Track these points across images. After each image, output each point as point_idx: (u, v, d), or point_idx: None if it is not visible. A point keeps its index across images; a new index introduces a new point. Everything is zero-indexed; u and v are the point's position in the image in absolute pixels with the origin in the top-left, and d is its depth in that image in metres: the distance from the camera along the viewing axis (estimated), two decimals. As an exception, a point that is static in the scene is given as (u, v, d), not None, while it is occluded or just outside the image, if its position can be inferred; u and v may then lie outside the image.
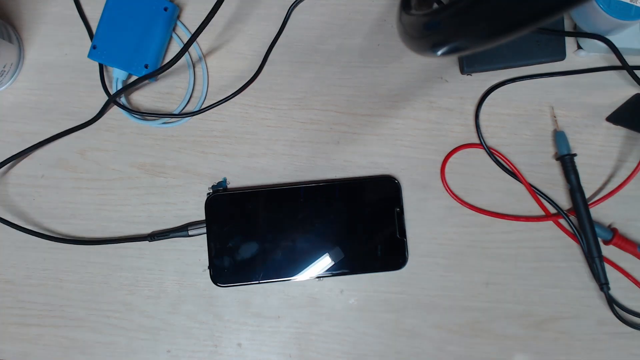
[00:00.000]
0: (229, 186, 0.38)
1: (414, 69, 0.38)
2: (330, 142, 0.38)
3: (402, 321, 0.38)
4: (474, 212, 0.38)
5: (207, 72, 0.39)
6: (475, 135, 0.38)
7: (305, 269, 0.36)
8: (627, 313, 0.37)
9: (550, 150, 0.38)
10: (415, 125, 0.38)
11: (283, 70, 0.39)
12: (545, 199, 0.38)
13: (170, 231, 0.37)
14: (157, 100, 0.39)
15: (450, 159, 0.38)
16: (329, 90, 0.39)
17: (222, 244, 0.36)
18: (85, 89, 0.39)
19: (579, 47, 0.38)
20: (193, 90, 0.38)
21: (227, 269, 0.36)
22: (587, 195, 0.37)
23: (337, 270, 0.36)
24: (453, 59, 0.38)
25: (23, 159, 0.39)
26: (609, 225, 0.38)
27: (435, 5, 0.31)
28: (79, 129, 0.38)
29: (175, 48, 0.39)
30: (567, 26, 0.38)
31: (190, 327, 0.38)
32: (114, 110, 0.39)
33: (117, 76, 0.38)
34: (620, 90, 0.38)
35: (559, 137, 0.37)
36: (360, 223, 0.37)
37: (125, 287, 0.38)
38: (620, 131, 0.38)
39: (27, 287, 0.38)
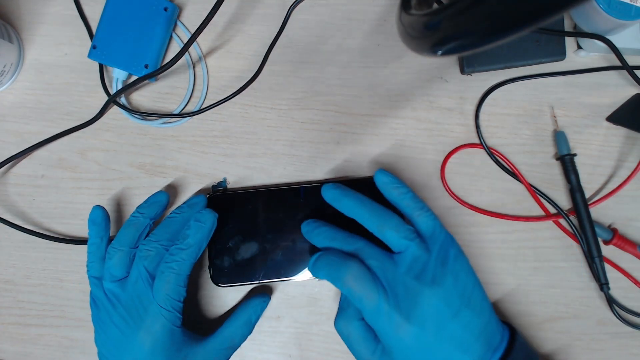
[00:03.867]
0: (228, 186, 0.38)
1: (414, 69, 0.38)
2: (330, 142, 0.38)
3: (402, 321, 0.37)
4: (474, 212, 0.38)
5: (207, 72, 0.39)
6: (475, 135, 0.38)
7: (305, 269, 0.36)
8: (627, 313, 0.37)
9: (550, 150, 0.38)
10: (415, 125, 0.38)
11: (283, 70, 0.39)
12: (545, 199, 0.38)
13: (170, 231, 0.37)
14: (157, 100, 0.39)
15: (450, 159, 0.38)
16: (329, 90, 0.39)
17: (222, 244, 0.36)
18: (85, 89, 0.39)
19: (579, 47, 0.38)
20: (193, 90, 0.38)
21: (227, 269, 0.36)
22: (587, 195, 0.37)
23: (337, 270, 0.36)
24: (453, 58, 0.38)
25: (23, 158, 0.39)
26: (609, 225, 0.38)
27: (435, 5, 0.31)
28: (79, 129, 0.38)
29: (175, 48, 0.39)
30: (567, 26, 0.38)
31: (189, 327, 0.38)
32: (114, 110, 0.39)
33: (117, 76, 0.38)
34: (620, 90, 0.38)
35: (559, 137, 0.37)
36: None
37: (125, 287, 0.38)
38: (620, 131, 0.38)
39: (27, 287, 0.38)
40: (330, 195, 0.33)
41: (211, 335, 0.34)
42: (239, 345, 0.35)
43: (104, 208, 0.35)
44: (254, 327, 0.35)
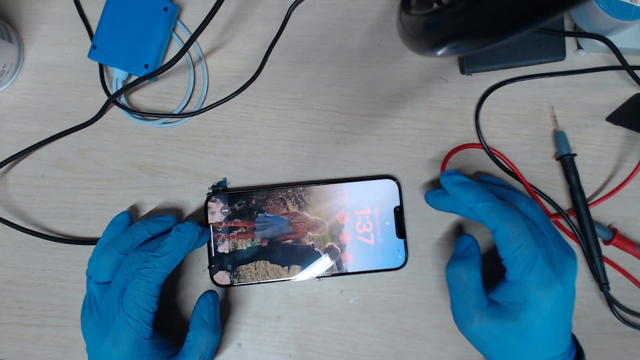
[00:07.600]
0: (228, 186, 0.38)
1: (414, 69, 0.38)
2: (330, 142, 0.38)
3: (402, 321, 0.38)
4: (474, 212, 0.38)
5: (207, 72, 0.39)
6: (475, 135, 0.38)
7: (305, 269, 0.36)
8: (627, 313, 0.37)
9: (550, 150, 0.38)
10: (415, 125, 0.38)
11: (283, 70, 0.39)
12: (545, 199, 0.38)
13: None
14: (157, 100, 0.39)
15: (451, 159, 0.38)
16: (329, 90, 0.39)
17: (221, 244, 0.36)
18: (85, 89, 0.39)
19: (579, 47, 0.38)
20: (193, 90, 0.38)
21: (226, 268, 0.36)
22: (587, 195, 0.37)
23: (337, 270, 0.36)
24: (453, 59, 0.38)
25: (23, 159, 0.39)
26: (609, 225, 0.38)
27: (435, 5, 0.31)
28: (79, 129, 0.38)
29: (175, 48, 0.39)
30: (567, 26, 0.38)
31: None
32: (114, 110, 0.39)
33: (117, 76, 0.38)
34: (620, 90, 0.38)
35: (559, 137, 0.37)
36: (360, 223, 0.37)
37: (125, 287, 0.38)
38: (620, 131, 0.38)
39: (27, 287, 0.38)
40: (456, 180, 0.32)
41: (180, 350, 0.32)
42: (210, 353, 0.32)
43: (131, 217, 0.36)
44: (216, 328, 0.33)
